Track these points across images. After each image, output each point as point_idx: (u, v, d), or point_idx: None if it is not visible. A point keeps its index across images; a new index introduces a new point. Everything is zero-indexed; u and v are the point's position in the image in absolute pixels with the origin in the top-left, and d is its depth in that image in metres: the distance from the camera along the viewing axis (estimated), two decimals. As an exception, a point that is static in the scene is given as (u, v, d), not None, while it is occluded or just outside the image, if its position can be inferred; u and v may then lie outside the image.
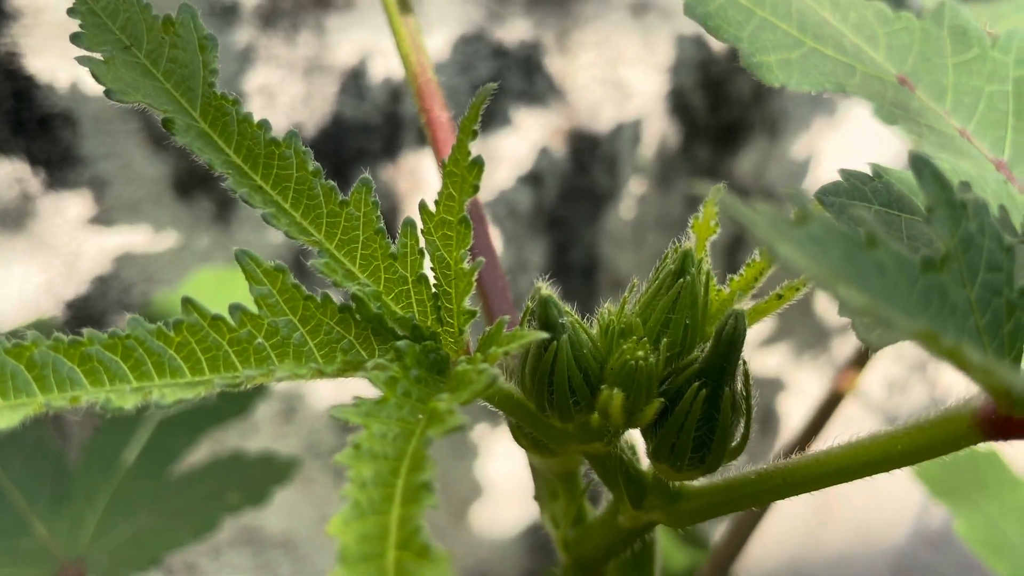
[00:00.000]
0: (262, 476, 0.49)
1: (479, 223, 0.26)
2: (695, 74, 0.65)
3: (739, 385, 0.21)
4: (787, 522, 0.93)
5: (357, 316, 0.19)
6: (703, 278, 0.22)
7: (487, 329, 0.19)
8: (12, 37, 0.52)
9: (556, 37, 0.61)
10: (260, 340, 0.19)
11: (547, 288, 0.20)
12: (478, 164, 0.20)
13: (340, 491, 0.17)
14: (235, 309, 0.20)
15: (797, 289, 0.23)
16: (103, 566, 0.47)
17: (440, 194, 0.20)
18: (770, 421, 0.85)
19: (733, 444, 0.21)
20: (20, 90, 0.53)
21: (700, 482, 0.23)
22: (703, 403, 0.20)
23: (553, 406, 0.20)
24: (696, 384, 0.20)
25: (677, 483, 0.23)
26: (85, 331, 0.19)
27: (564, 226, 0.68)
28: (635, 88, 0.65)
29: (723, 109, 0.68)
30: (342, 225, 0.20)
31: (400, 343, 0.19)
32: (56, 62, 0.53)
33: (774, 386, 0.83)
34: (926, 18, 0.30)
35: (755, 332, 0.81)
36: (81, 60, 0.21)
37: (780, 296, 0.23)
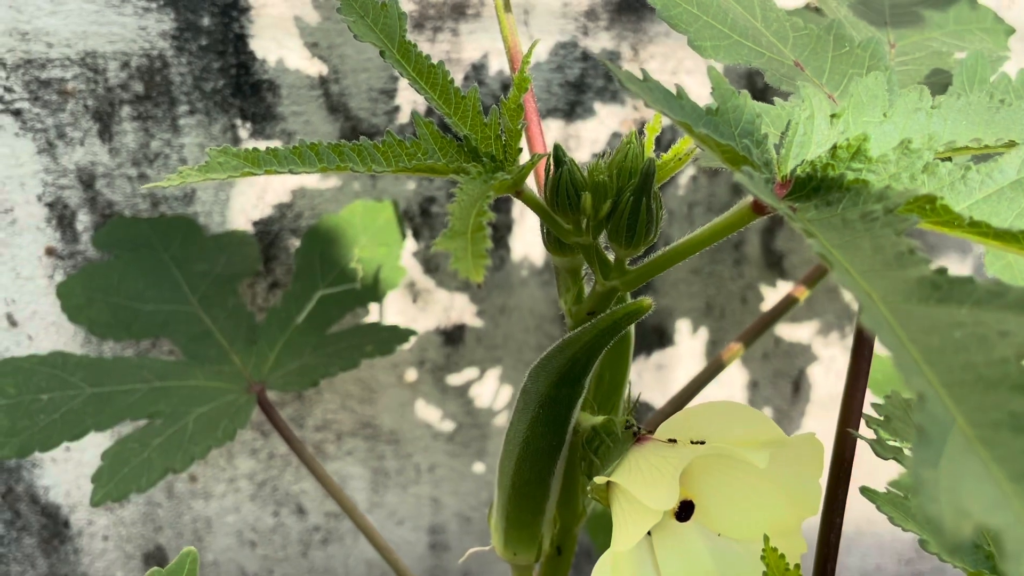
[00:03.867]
0: (390, 337, 0.71)
1: (530, 110, 0.48)
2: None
3: (652, 202, 0.41)
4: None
5: (464, 148, 0.41)
6: (644, 149, 0.42)
7: (527, 160, 0.41)
8: (242, 23, 0.76)
9: (631, 47, 0.83)
10: (423, 155, 0.40)
11: (562, 147, 0.41)
12: (525, 79, 0.41)
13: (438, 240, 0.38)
14: (409, 138, 0.42)
15: (689, 154, 0.44)
16: (278, 385, 0.70)
17: (511, 95, 0.42)
18: (802, 385, 1.03)
19: (649, 235, 0.42)
20: (242, 62, 0.78)
21: (637, 265, 0.43)
22: (630, 206, 0.41)
23: (558, 205, 0.42)
24: (629, 195, 0.41)
25: (627, 265, 0.44)
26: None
27: (630, 197, 0.88)
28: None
29: (765, 113, 0.88)
30: (462, 107, 0.42)
31: (484, 159, 0.40)
32: (269, 43, 0.77)
33: (806, 356, 1.02)
34: (821, 28, 0.51)
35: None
36: (345, 20, 0.43)
37: (680, 159, 0.44)
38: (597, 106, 0.85)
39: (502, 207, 0.87)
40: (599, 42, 0.82)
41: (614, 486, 0.42)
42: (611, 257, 0.44)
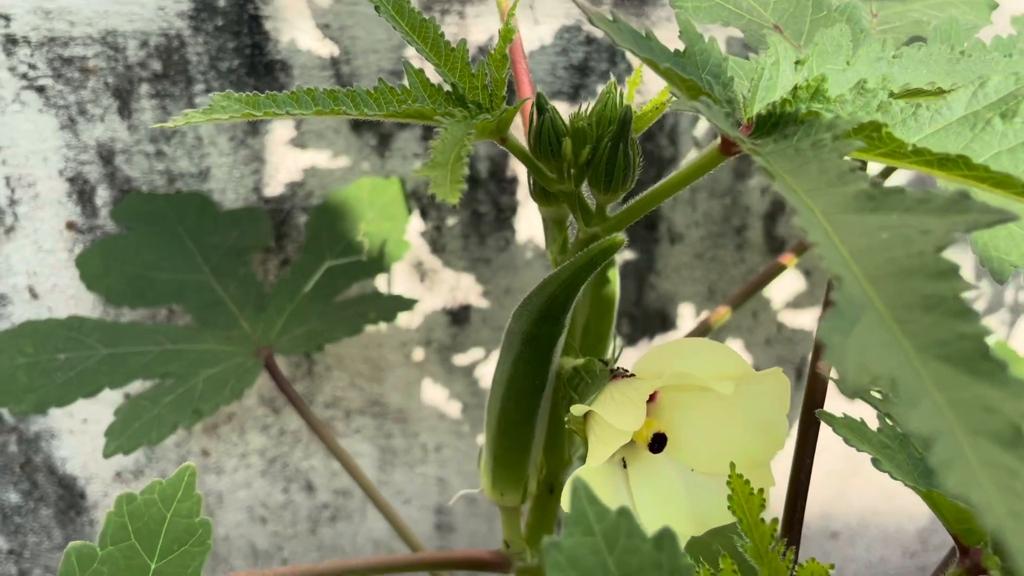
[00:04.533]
0: (393, 305, 0.74)
1: (517, 59, 0.50)
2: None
3: (629, 148, 0.44)
4: (818, 477, 1.11)
5: (452, 96, 0.44)
6: (622, 99, 0.45)
7: (511, 106, 0.43)
8: (256, 4, 0.80)
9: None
10: (414, 101, 0.43)
11: (543, 95, 0.44)
12: (510, 31, 0.44)
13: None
14: (400, 85, 0.45)
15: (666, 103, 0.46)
16: (284, 348, 0.73)
17: (496, 46, 0.44)
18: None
19: (627, 180, 0.44)
20: (257, 42, 0.81)
21: (616, 211, 0.46)
22: (608, 151, 0.43)
23: (540, 151, 0.44)
24: (607, 141, 0.43)
25: (607, 212, 0.46)
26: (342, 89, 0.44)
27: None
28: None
29: (766, 99, 0.90)
30: (451, 58, 0.45)
31: (470, 105, 0.43)
32: (282, 24, 0.81)
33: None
34: (801, -5, 0.53)
35: (787, 294, 1.01)
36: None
37: (657, 108, 0.46)
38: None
39: (506, 189, 0.90)
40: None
41: (590, 416, 0.44)
42: (592, 205, 0.47)
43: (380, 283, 0.89)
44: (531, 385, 0.47)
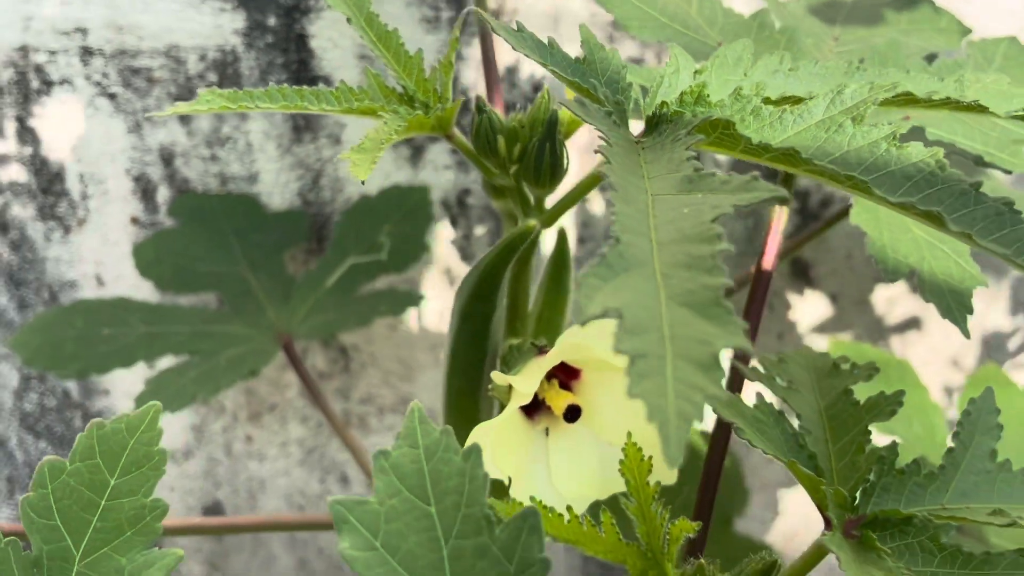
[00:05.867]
0: (402, 300, 0.81)
1: (491, 74, 0.57)
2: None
3: (556, 147, 0.50)
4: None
5: (404, 96, 0.51)
6: (553, 107, 0.51)
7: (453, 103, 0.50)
8: (303, 24, 0.89)
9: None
10: (369, 99, 0.50)
11: (483, 98, 0.50)
12: (455, 41, 0.50)
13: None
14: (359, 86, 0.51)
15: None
16: (302, 335, 0.81)
17: (445, 55, 0.51)
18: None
19: (555, 176, 0.50)
20: (302, 59, 0.90)
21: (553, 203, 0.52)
22: (536, 149, 0.49)
23: (479, 147, 0.50)
24: (535, 140, 0.49)
25: (545, 204, 0.52)
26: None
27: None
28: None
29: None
30: (409, 65, 0.52)
31: (418, 105, 0.50)
32: (326, 43, 0.89)
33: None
34: (750, 16, 0.58)
35: (814, 318, 1.04)
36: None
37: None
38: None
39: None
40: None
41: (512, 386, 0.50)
42: (532, 199, 0.53)
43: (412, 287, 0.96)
44: (471, 359, 0.53)
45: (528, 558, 0.33)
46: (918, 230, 0.49)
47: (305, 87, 0.50)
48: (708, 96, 0.43)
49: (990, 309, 1.02)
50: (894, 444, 0.45)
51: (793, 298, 1.02)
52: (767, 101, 0.43)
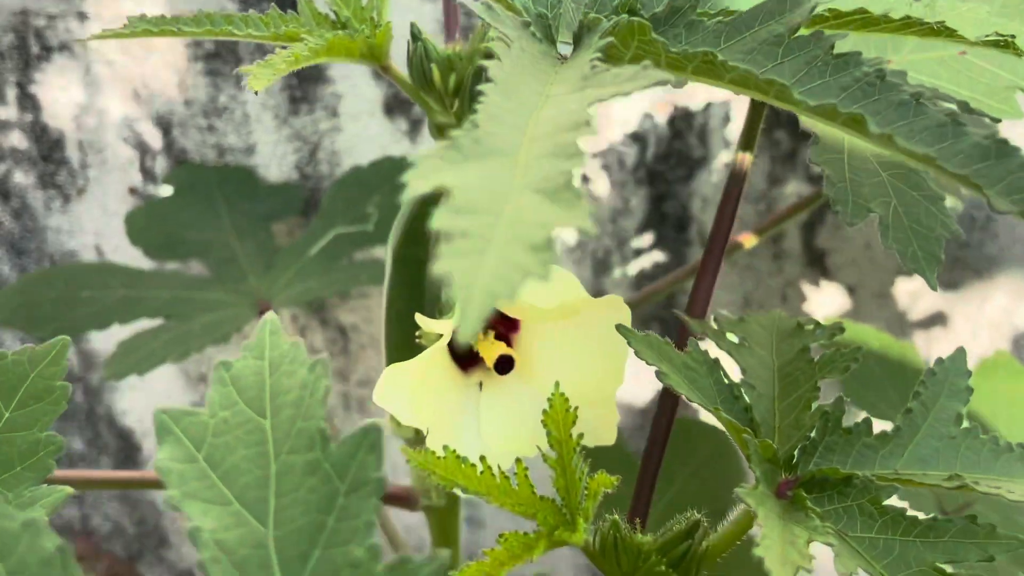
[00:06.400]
0: (382, 271, 0.78)
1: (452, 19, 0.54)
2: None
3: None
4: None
5: (337, 23, 0.48)
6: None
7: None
8: (300, -8, 0.87)
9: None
10: (298, 24, 0.48)
11: (420, 27, 0.48)
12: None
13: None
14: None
15: None
16: (281, 302, 0.79)
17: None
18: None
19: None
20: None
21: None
22: (471, 78, 0.46)
23: (415, 79, 0.48)
24: (471, 69, 0.46)
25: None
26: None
27: (662, 181, 0.92)
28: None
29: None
30: (348, -4, 0.49)
31: (351, 31, 0.47)
32: (323, 12, 0.88)
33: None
34: None
35: (832, 310, 0.98)
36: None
37: None
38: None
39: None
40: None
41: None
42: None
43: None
44: (407, 307, 0.50)
45: (362, 477, 0.29)
46: (886, 174, 0.45)
47: (234, 12, 0.48)
48: (640, 9, 0.40)
49: (1018, 308, 0.95)
50: (840, 400, 0.41)
51: (808, 289, 0.97)
52: (705, 15, 0.39)
